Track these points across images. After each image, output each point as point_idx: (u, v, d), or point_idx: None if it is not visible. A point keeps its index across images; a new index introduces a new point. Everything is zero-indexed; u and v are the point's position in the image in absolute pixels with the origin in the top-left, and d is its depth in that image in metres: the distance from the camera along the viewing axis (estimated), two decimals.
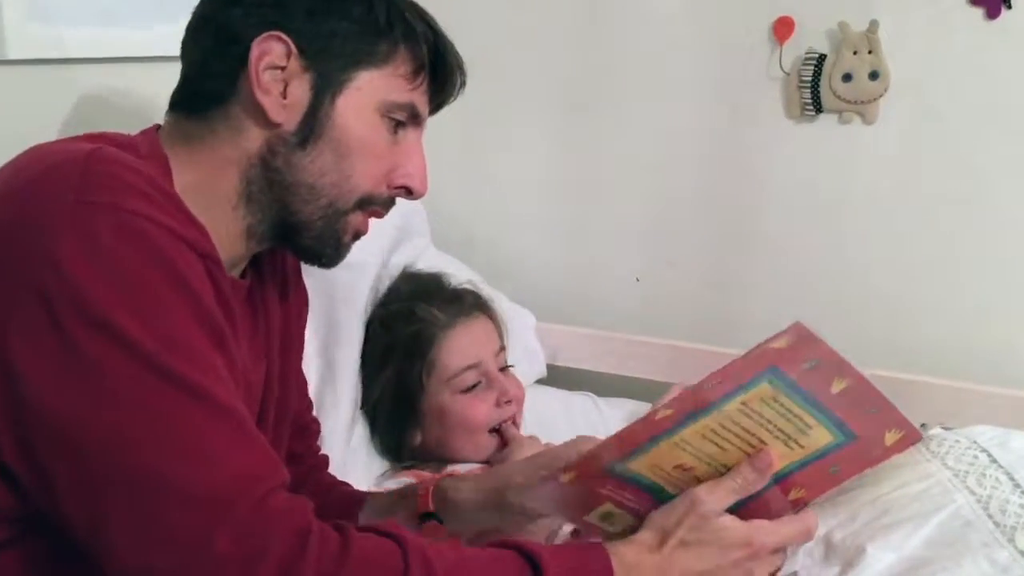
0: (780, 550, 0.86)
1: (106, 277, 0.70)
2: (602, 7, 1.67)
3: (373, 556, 0.75)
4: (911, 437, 0.82)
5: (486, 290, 1.46)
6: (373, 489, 1.26)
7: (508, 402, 1.31)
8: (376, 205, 0.92)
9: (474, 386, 1.30)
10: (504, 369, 1.36)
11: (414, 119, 0.91)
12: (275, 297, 1.01)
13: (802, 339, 0.75)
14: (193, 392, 0.71)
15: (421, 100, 0.91)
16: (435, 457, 1.33)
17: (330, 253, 0.92)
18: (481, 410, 1.29)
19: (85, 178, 0.72)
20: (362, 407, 1.34)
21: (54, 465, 0.70)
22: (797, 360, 0.77)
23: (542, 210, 1.79)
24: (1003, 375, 1.43)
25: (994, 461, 0.89)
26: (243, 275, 0.94)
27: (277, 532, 0.71)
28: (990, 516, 0.83)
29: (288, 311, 1.03)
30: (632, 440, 0.83)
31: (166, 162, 0.85)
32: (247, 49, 0.84)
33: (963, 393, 1.40)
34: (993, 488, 0.86)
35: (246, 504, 0.70)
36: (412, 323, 1.31)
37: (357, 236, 0.93)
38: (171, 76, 0.91)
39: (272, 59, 0.84)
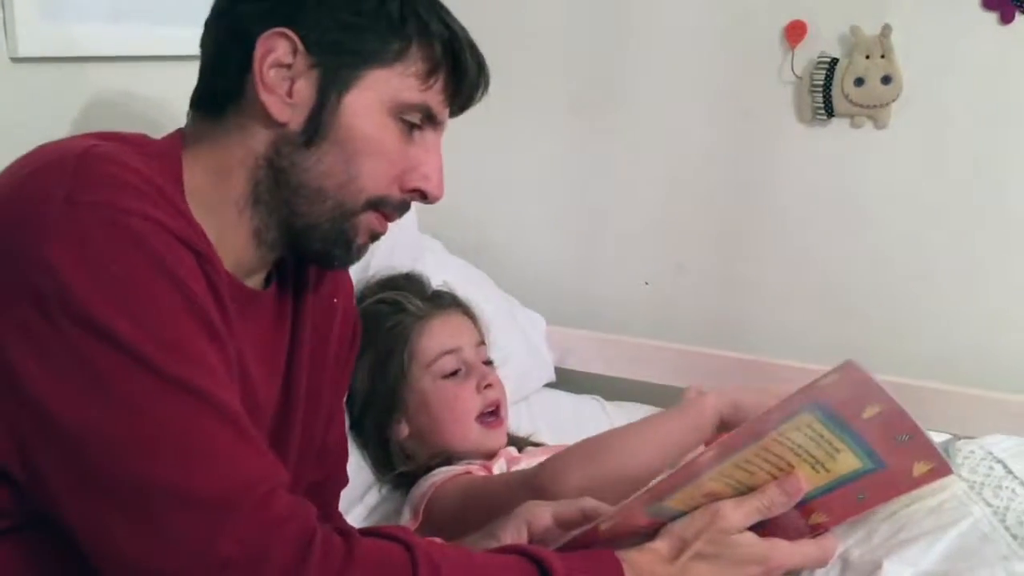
0: (792, 573, 0.85)
1: (99, 280, 0.69)
2: (615, 11, 1.66)
3: (379, 560, 0.74)
4: (940, 471, 0.81)
5: (496, 292, 1.45)
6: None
7: (488, 386, 1.31)
8: (388, 208, 0.88)
9: (455, 373, 1.30)
10: (488, 364, 1.36)
11: (430, 121, 0.88)
12: (316, 313, 0.97)
13: (854, 378, 0.75)
14: (194, 395, 0.70)
15: (437, 101, 0.87)
16: (425, 451, 1.31)
17: (340, 255, 0.89)
18: (462, 395, 1.29)
19: (76, 177, 0.71)
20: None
21: (53, 469, 0.69)
22: (842, 395, 0.76)
23: (552, 214, 1.79)
24: (1018, 382, 1.42)
25: (1009, 472, 0.87)
26: (267, 285, 0.92)
27: (279, 537, 0.70)
28: (1007, 528, 0.82)
29: (328, 332, 1.00)
30: (671, 486, 0.83)
31: (178, 163, 0.83)
32: (254, 46, 0.82)
33: (977, 400, 1.39)
34: (1010, 500, 0.84)
35: (248, 507, 0.69)
36: (393, 313, 1.32)
37: (374, 237, 0.90)
38: (183, 75, 0.90)
39: (277, 56, 0.82)
